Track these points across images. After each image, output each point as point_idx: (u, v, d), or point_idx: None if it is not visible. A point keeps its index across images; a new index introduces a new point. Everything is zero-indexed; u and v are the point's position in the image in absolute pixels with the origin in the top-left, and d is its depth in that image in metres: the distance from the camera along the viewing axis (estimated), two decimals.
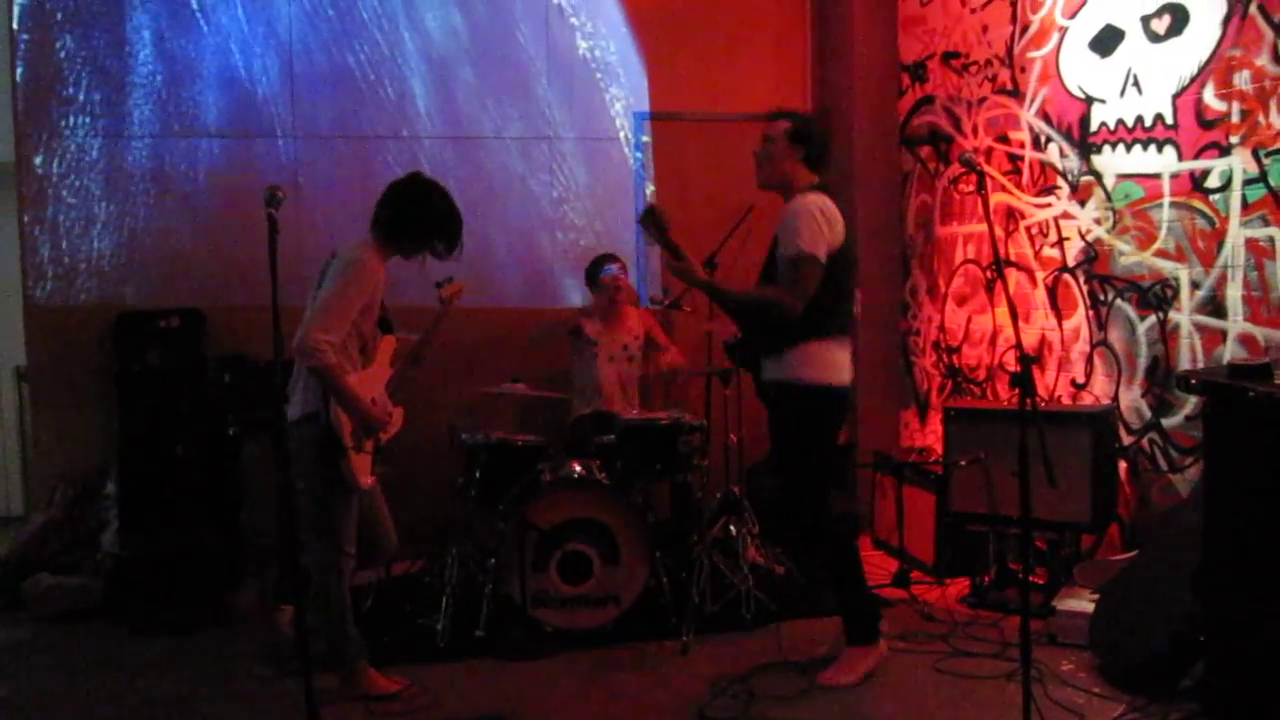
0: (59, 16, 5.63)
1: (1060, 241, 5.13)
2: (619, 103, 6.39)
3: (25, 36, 5.61)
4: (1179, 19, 4.40)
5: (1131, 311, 4.73)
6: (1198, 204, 4.35)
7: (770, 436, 4.19)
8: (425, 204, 3.97)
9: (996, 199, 5.51)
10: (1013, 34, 5.40)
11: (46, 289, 5.67)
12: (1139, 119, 4.63)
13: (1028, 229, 5.36)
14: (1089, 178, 4.93)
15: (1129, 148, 4.69)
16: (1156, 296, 4.58)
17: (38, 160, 5.64)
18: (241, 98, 5.88)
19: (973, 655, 4.27)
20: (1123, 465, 4.78)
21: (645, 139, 6.43)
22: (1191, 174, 4.38)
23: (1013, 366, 3.29)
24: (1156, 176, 4.55)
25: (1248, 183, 4.12)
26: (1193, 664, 3.71)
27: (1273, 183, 4.01)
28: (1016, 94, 5.39)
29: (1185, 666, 3.74)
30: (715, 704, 3.88)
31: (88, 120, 5.68)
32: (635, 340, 5.61)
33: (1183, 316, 4.46)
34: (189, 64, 5.81)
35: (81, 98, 5.67)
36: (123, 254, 5.74)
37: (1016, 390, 3.15)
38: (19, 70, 5.60)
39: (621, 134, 6.41)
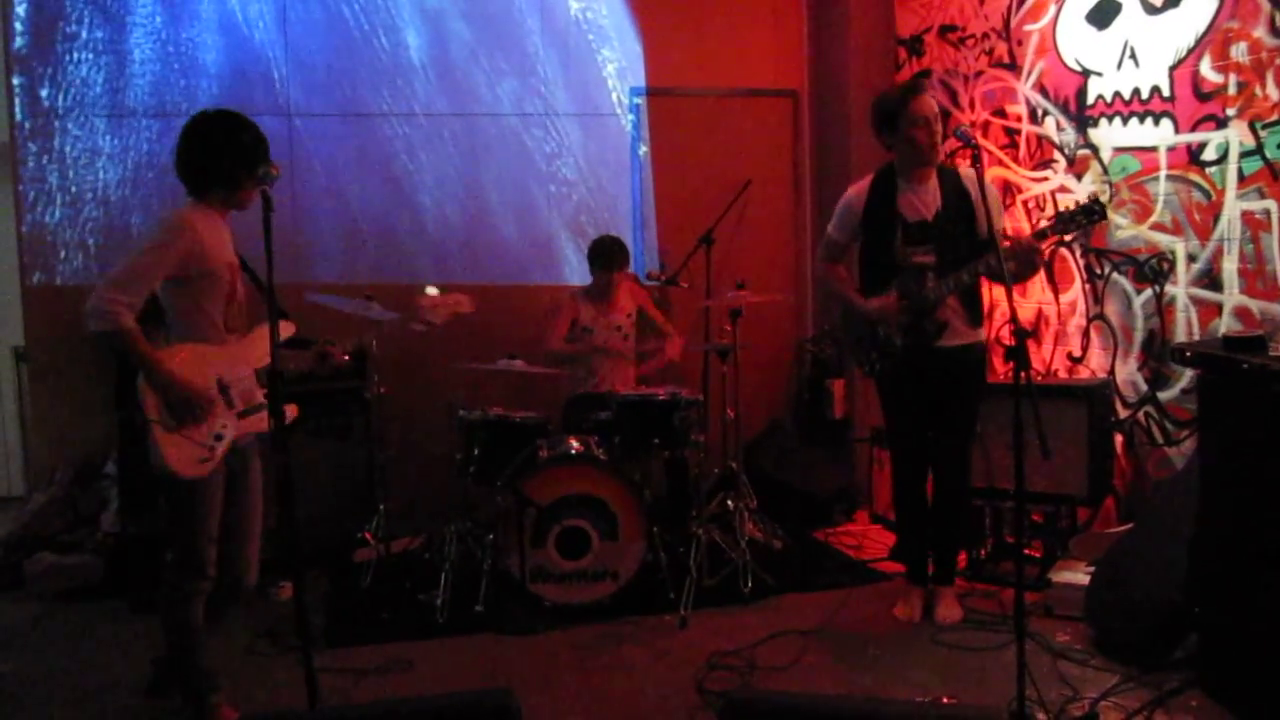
0: None
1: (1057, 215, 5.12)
2: (611, 64, 6.39)
3: None
4: None
5: (1128, 285, 4.74)
6: (1194, 177, 4.35)
7: (950, 400, 4.31)
8: (211, 140, 3.39)
9: (993, 173, 5.50)
10: (1010, 7, 5.37)
11: (55, 215, 5.72)
12: (1136, 92, 4.61)
13: (1024, 203, 5.36)
14: (1086, 151, 4.92)
15: (1126, 121, 4.68)
16: (1153, 270, 4.59)
17: (44, 93, 5.69)
18: (238, 40, 5.94)
19: (969, 627, 4.30)
20: (1119, 438, 4.79)
21: (639, 102, 6.41)
22: (1188, 147, 4.37)
23: (1009, 340, 3.30)
24: (1153, 149, 4.54)
25: (1244, 155, 4.11)
26: (1187, 635, 3.75)
27: (1269, 155, 4.00)
28: (1013, 67, 5.37)
29: (1180, 638, 3.77)
30: (713, 676, 3.91)
31: (91, 56, 5.75)
32: (628, 319, 5.59)
33: (1179, 289, 4.46)
34: (187, 6, 5.88)
35: (84, 35, 5.74)
36: (126, 186, 5.81)
37: (1012, 364, 3.16)
38: (23, 6, 5.66)
39: (614, 94, 6.40)
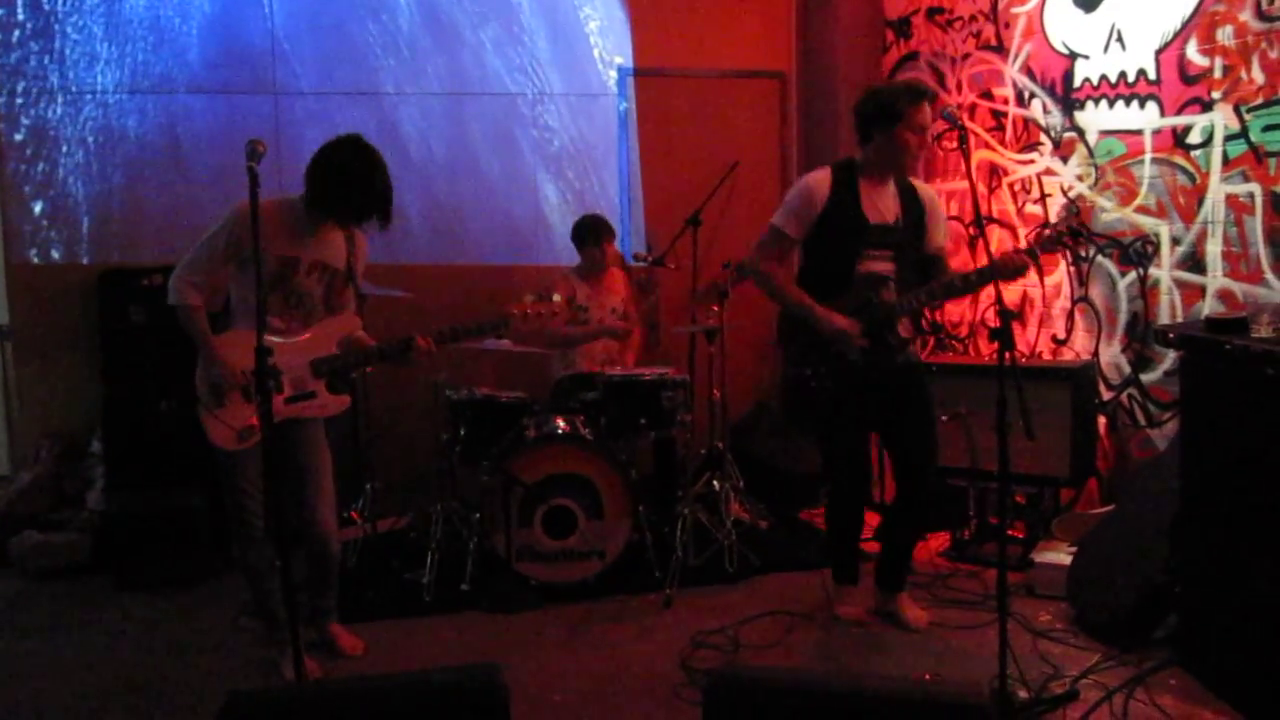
0: None
1: (1043, 198, 5.15)
2: (600, 43, 6.36)
3: None
4: None
5: (1112, 268, 4.76)
6: (1179, 160, 4.37)
7: (923, 413, 4.02)
8: (338, 172, 3.62)
9: (979, 155, 5.52)
10: None
11: (57, 112, 5.77)
12: (1122, 75, 4.63)
13: (1010, 185, 5.37)
14: (1071, 134, 4.93)
15: (1111, 104, 4.69)
16: (1137, 253, 4.61)
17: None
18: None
19: (953, 605, 4.33)
20: (1102, 420, 4.82)
21: (627, 81, 6.39)
22: (1173, 130, 4.39)
23: (994, 322, 3.30)
24: (1138, 132, 4.56)
25: (1229, 139, 4.13)
26: (1167, 615, 3.78)
27: (1254, 139, 4.02)
28: (1000, 50, 5.38)
29: (1160, 617, 3.81)
30: (698, 654, 3.94)
31: None
32: (622, 301, 5.59)
33: (1163, 272, 4.49)
34: None
35: None
36: (124, 91, 5.87)
37: (997, 345, 3.17)
38: None
39: (603, 73, 6.39)
